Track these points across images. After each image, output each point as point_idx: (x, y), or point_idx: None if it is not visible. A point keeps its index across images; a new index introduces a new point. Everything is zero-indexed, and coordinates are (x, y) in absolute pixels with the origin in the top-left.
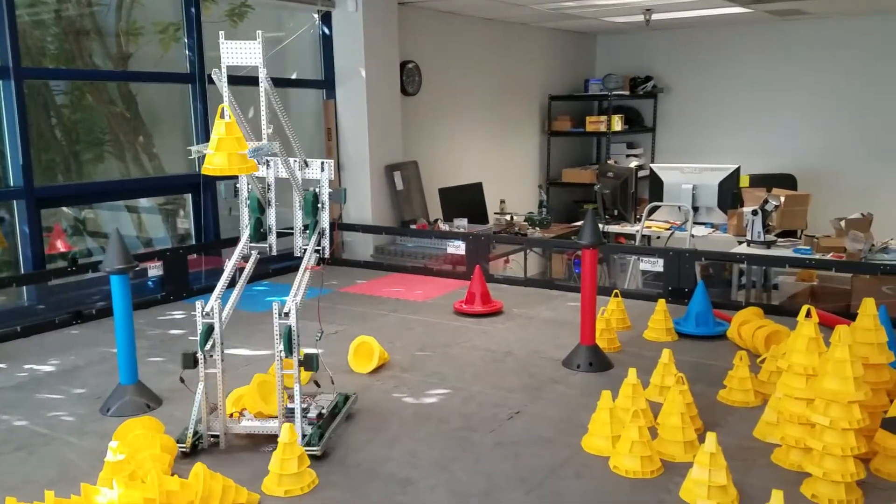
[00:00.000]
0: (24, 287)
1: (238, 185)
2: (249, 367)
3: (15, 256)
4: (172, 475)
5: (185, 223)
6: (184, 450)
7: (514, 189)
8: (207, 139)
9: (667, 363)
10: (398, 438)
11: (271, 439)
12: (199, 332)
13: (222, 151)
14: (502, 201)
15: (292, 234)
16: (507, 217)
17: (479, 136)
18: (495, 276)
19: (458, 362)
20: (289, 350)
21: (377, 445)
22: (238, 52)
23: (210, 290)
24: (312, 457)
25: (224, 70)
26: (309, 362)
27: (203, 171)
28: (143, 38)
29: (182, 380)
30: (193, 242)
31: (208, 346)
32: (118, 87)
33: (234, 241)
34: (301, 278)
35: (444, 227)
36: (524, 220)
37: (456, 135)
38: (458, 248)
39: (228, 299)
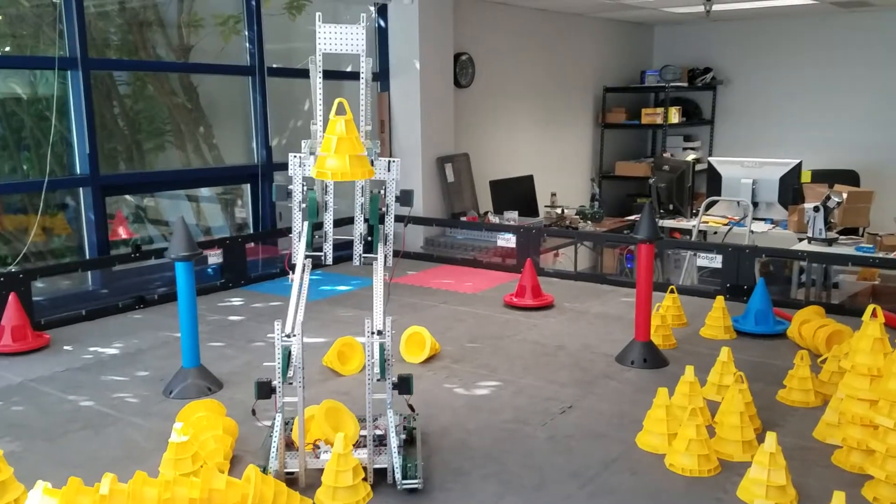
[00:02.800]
0: (89, 272)
1: (292, 188)
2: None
3: (80, 242)
4: (233, 457)
5: (243, 212)
6: None
7: (565, 182)
8: (266, 131)
9: (725, 361)
10: (450, 429)
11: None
12: (278, 357)
13: (341, 154)
14: (553, 194)
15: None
16: (558, 210)
17: (531, 128)
18: (545, 269)
19: (508, 355)
20: (383, 373)
21: (429, 435)
22: (337, 39)
23: (266, 278)
24: (410, 490)
25: (319, 57)
26: (405, 385)
27: (317, 176)
28: (204, 29)
29: (254, 412)
30: (251, 231)
31: (290, 374)
32: (180, 79)
33: (288, 231)
34: (381, 289)
35: (494, 219)
36: (576, 214)
37: (508, 127)
38: (508, 240)
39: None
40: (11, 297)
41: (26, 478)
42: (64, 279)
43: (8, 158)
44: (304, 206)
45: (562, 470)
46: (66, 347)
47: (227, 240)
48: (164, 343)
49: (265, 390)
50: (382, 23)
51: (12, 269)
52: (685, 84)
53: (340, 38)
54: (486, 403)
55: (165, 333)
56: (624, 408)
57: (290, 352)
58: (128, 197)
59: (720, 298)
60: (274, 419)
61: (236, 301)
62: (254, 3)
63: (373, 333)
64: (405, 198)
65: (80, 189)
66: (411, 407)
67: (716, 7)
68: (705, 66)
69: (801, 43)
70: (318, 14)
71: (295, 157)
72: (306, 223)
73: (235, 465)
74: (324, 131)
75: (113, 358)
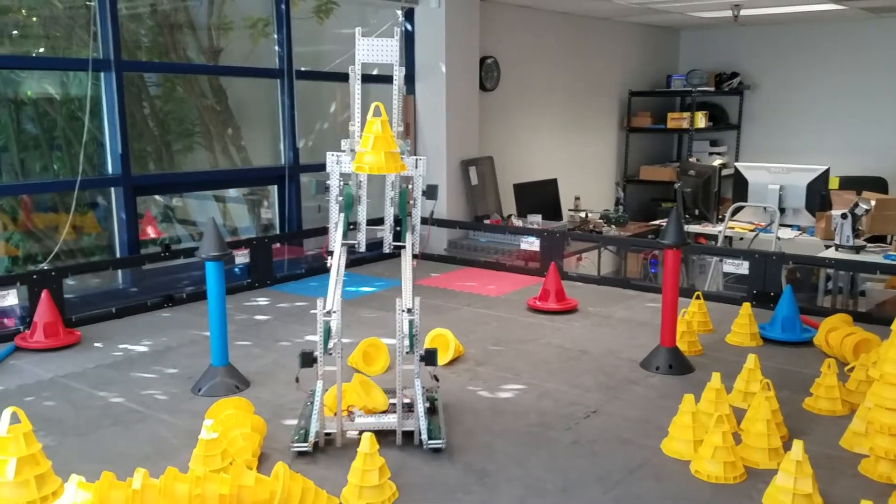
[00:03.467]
0: (119, 271)
1: (329, 182)
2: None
3: (110, 241)
4: (261, 455)
5: (269, 213)
6: (304, 449)
7: (589, 186)
8: (293, 133)
9: (752, 369)
10: (474, 431)
11: (387, 435)
12: (320, 331)
13: (377, 150)
14: (577, 198)
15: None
16: (582, 214)
17: (555, 131)
18: (569, 273)
19: (532, 358)
20: (412, 346)
21: (454, 435)
22: (374, 51)
23: (292, 278)
24: (435, 450)
25: (358, 67)
26: (431, 358)
27: (356, 170)
28: (234, 32)
29: (297, 380)
30: (277, 232)
31: (330, 346)
32: (209, 80)
33: (315, 232)
34: (410, 274)
35: (517, 222)
36: (599, 218)
37: (532, 130)
38: (531, 244)
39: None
40: (44, 295)
41: (60, 472)
42: (94, 277)
43: (40, 157)
44: (340, 199)
45: (586, 475)
46: (96, 344)
47: (254, 240)
48: (192, 341)
49: (308, 360)
50: (409, 26)
51: (44, 266)
52: (712, 88)
53: (377, 50)
54: (510, 406)
55: (193, 332)
56: (649, 413)
57: (330, 327)
58: (156, 197)
59: (747, 305)
60: (315, 387)
61: (262, 301)
62: (283, 6)
63: (403, 311)
64: (431, 192)
65: (112, 189)
66: (435, 377)
67: (744, 12)
68: (732, 70)
69: (829, 48)
70: (357, 29)
71: (333, 155)
72: (342, 214)
73: (263, 462)
74: (361, 132)
75: (142, 355)
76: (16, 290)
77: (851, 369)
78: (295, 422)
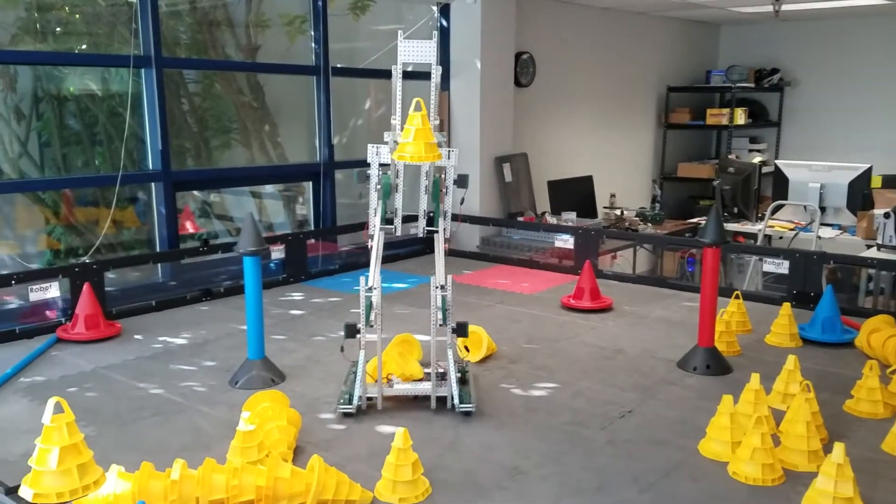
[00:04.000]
0: (159, 265)
1: (369, 172)
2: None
3: (150, 235)
4: (296, 447)
5: (304, 209)
6: (349, 411)
7: (625, 183)
8: (329, 130)
9: (792, 370)
10: (508, 428)
11: (422, 400)
12: (362, 305)
13: (418, 141)
14: (612, 195)
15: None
16: (618, 212)
17: (591, 128)
18: (604, 271)
19: (566, 357)
20: (445, 319)
21: (487, 432)
22: (413, 52)
23: (326, 274)
24: (466, 413)
25: (399, 66)
26: (462, 329)
27: (398, 159)
28: (271, 29)
29: (342, 349)
30: (311, 228)
31: (372, 318)
32: (246, 77)
33: (350, 228)
34: (442, 255)
35: (551, 220)
36: (635, 216)
37: (567, 127)
38: (566, 241)
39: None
40: (85, 287)
41: (100, 461)
42: (134, 271)
43: (82, 153)
44: (378, 187)
45: (622, 474)
46: (136, 336)
47: (290, 236)
48: (229, 334)
49: (352, 331)
50: (444, 22)
51: (86, 260)
52: (752, 85)
53: (416, 52)
54: (544, 405)
55: (231, 325)
56: (686, 414)
57: (371, 301)
58: (195, 192)
59: (787, 305)
60: (358, 356)
61: (297, 296)
62: (320, 3)
63: (437, 287)
64: (462, 181)
65: (152, 184)
66: (466, 348)
67: (785, 7)
68: (773, 66)
69: (871, 43)
70: (399, 31)
71: (373, 146)
72: (381, 201)
73: (298, 455)
74: (402, 125)
75: (181, 348)
76: (58, 282)
77: (894, 371)
78: (330, 415)
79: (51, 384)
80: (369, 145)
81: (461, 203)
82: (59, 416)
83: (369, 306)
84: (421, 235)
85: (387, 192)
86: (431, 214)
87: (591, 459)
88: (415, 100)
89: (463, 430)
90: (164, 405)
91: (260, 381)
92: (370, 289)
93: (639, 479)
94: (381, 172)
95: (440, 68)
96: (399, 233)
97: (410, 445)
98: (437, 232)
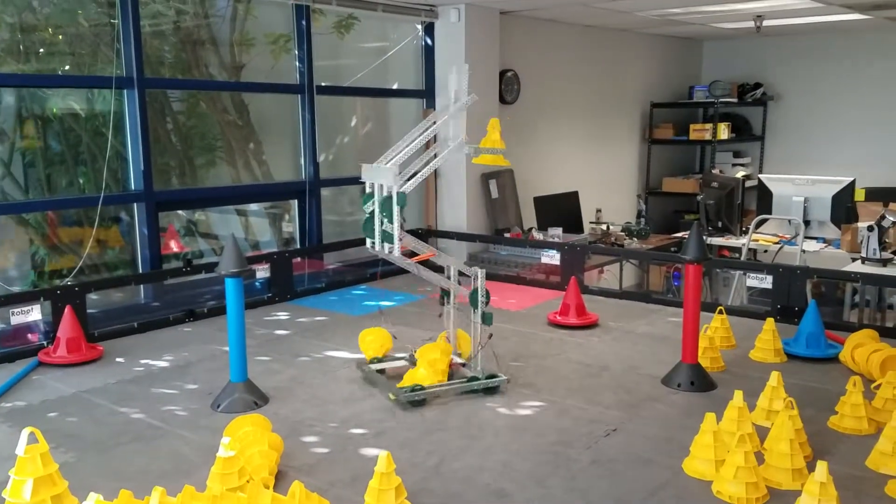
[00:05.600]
0: (141, 285)
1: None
2: (348, 369)
3: (133, 256)
4: (277, 472)
5: (290, 227)
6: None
7: (611, 198)
8: (314, 148)
9: (776, 386)
10: (492, 449)
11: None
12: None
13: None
14: (598, 210)
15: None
16: (604, 227)
17: (576, 144)
18: (590, 287)
19: (552, 375)
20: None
21: (472, 454)
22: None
23: (313, 292)
24: (493, 389)
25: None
26: (487, 318)
27: (481, 162)
28: (255, 48)
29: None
30: (298, 246)
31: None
32: (231, 96)
33: (336, 246)
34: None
35: (538, 236)
36: (621, 231)
37: (553, 143)
38: (552, 257)
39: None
40: (67, 310)
41: (79, 489)
42: (117, 292)
43: (65, 173)
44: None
45: (606, 495)
46: (118, 359)
47: (275, 254)
48: (212, 356)
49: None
50: (429, 40)
51: (68, 282)
52: (735, 99)
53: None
54: (530, 424)
55: (214, 346)
56: (670, 432)
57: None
58: (179, 211)
59: (770, 320)
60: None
61: (282, 315)
62: (304, 22)
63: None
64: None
65: (135, 204)
66: (490, 336)
67: (766, 22)
68: (755, 81)
69: (853, 58)
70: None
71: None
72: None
73: (280, 480)
74: None
75: (163, 370)
76: (40, 305)
77: (878, 387)
78: (313, 438)
79: (31, 409)
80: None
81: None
82: (32, 446)
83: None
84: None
85: (403, 205)
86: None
87: (576, 480)
88: (491, 120)
89: (447, 453)
90: (145, 430)
91: (242, 404)
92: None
93: (623, 501)
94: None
95: (473, 97)
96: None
97: (394, 469)
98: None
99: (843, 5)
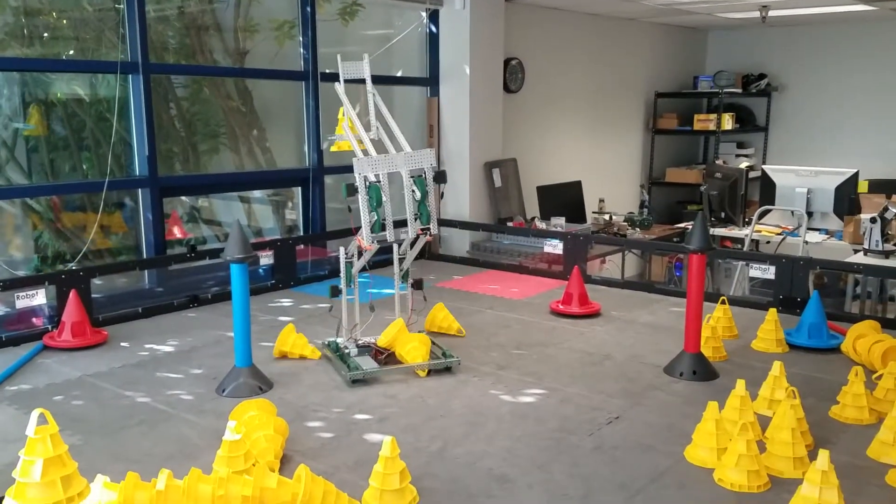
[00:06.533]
0: (146, 271)
1: (356, 185)
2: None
3: (137, 241)
4: (283, 456)
5: (293, 214)
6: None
7: (614, 188)
8: (318, 134)
9: (778, 376)
10: (495, 435)
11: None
12: (343, 271)
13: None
14: (601, 200)
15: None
16: (606, 216)
17: (580, 133)
18: (592, 276)
19: (554, 363)
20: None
21: (475, 440)
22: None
23: (315, 279)
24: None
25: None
26: (419, 284)
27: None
28: (260, 34)
29: (331, 308)
30: (301, 234)
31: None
32: (235, 82)
33: (339, 234)
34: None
35: (541, 225)
36: (624, 221)
37: (556, 132)
38: (555, 247)
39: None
40: (72, 295)
41: (86, 471)
42: (121, 277)
43: (69, 158)
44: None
45: (608, 481)
46: (122, 344)
47: (279, 241)
48: (216, 341)
49: (335, 291)
50: (434, 28)
51: (73, 266)
52: (739, 90)
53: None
54: (532, 411)
55: (218, 332)
56: (672, 420)
57: (350, 268)
58: (183, 197)
59: (773, 311)
60: (340, 312)
61: (286, 302)
62: (309, 8)
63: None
64: (440, 176)
65: (139, 189)
66: (424, 297)
67: (772, 13)
68: (760, 71)
69: (858, 49)
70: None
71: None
72: (374, 211)
73: (285, 464)
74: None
75: (168, 355)
76: (44, 289)
77: (879, 377)
78: (317, 423)
79: (37, 392)
80: (354, 160)
81: (440, 197)
82: (43, 427)
83: (349, 270)
84: (413, 236)
85: (379, 201)
86: (416, 216)
87: (579, 466)
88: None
89: (450, 438)
90: (151, 414)
91: (247, 389)
92: (350, 257)
93: (625, 486)
94: (368, 183)
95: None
96: (391, 238)
97: (398, 454)
98: (427, 229)
99: None
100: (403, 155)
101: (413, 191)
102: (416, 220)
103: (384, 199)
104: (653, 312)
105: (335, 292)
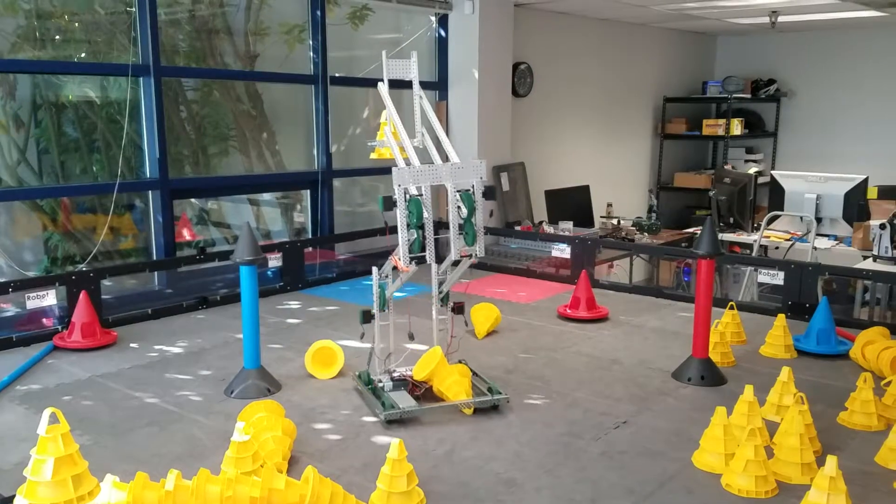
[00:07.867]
0: (155, 272)
1: (395, 196)
2: (359, 358)
3: (147, 243)
4: (290, 458)
5: (301, 217)
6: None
7: (622, 193)
8: (327, 138)
9: (786, 381)
10: (503, 439)
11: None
12: (376, 293)
13: None
14: (609, 205)
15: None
16: (614, 221)
17: (588, 137)
18: (600, 281)
19: (562, 367)
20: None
21: (482, 444)
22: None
23: (324, 282)
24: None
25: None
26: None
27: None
28: (270, 38)
29: (362, 335)
30: (309, 236)
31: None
32: (245, 86)
33: (348, 237)
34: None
35: (548, 229)
36: (632, 225)
37: (565, 136)
38: (562, 251)
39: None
40: (82, 295)
41: (95, 471)
42: (131, 278)
43: (80, 160)
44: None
45: (616, 486)
46: (132, 345)
47: (287, 244)
48: (225, 343)
49: (367, 317)
50: (443, 32)
51: (83, 268)
52: (748, 95)
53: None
54: (540, 416)
55: (227, 334)
56: (680, 425)
57: (384, 289)
58: (192, 199)
59: (781, 316)
60: (374, 337)
61: (294, 304)
62: (319, 12)
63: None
64: (489, 192)
65: (149, 192)
66: (466, 322)
67: (781, 18)
68: (769, 77)
69: (868, 55)
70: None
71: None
72: (416, 230)
73: (293, 465)
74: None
75: (177, 356)
76: (55, 290)
77: (888, 384)
78: (325, 425)
79: (47, 392)
80: (394, 169)
81: (490, 215)
82: (54, 426)
83: (383, 293)
84: (455, 259)
85: (419, 217)
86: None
87: (586, 471)
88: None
89: (458, 442)
90: (160, 414)
91: (255, 390)
92: (384, 277)
93: (633, 491)
94: (408, 196)
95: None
96: (431, 259)
97: (405, 456)
98: (473, 253)
99: (858, 2)
100: (450, 166)
101: (459, 207)
102: (460, 238)
103: (426, 215)
104: (661, 317)
105: (367, 318)
